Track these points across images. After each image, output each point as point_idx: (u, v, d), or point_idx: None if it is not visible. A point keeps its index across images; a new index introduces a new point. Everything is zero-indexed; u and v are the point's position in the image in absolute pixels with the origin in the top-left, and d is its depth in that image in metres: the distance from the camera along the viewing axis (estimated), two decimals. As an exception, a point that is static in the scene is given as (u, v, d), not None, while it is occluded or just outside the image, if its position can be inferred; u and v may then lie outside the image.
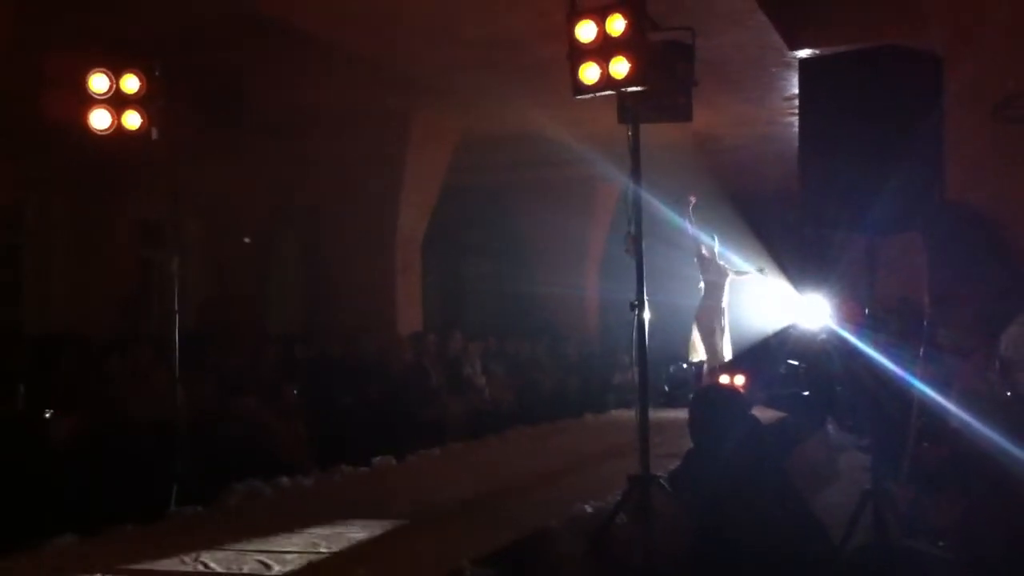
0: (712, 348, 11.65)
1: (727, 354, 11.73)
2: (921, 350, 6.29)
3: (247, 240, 7.30)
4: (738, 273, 11.92)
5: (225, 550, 5.38)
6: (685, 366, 13.48)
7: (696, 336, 11.77)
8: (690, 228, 11.42)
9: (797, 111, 6.22)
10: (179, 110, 7.22)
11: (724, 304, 11.75)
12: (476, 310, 17.76)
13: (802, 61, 6.46)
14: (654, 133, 6.84)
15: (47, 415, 7.34)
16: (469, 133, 12.71)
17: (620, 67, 5.90)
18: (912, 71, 5.77)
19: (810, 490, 6.81)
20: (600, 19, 5.93)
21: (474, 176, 14.36)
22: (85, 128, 6.87)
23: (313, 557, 5.15)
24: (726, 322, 11.75)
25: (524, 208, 16.69)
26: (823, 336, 11.06)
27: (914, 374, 6.17)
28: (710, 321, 11.66)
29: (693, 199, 11.32)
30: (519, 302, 16.38)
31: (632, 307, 6.38)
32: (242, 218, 13.68)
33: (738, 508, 4.91)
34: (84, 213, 11.98)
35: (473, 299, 17.94)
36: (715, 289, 11.68)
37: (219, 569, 5.00)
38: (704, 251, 11.65)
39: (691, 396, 5.43)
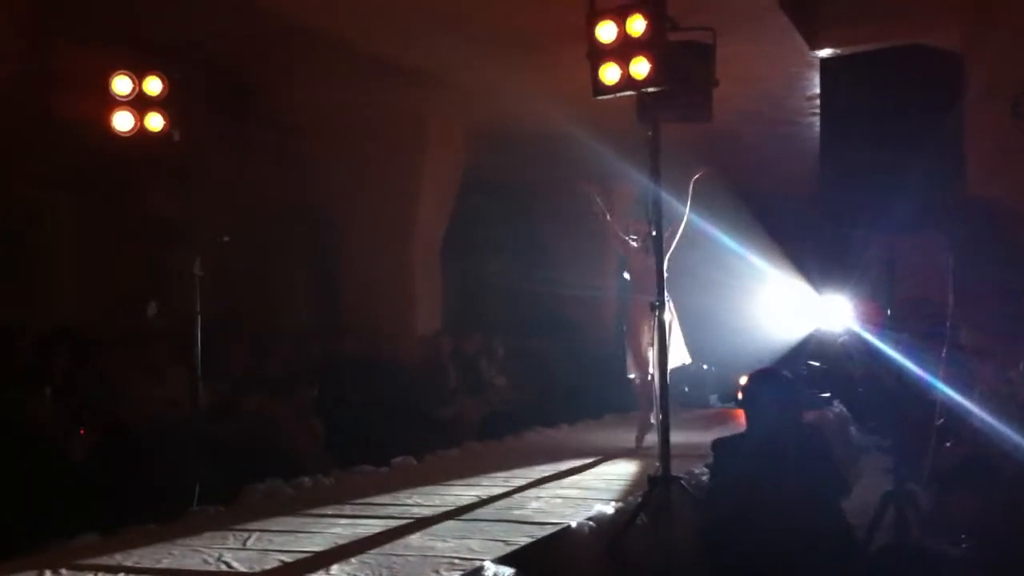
0: (644, 361, 9.15)
1: (678, 359, 9.06)
2: (943, 351, 6.26)
3: (226, 239, 7.32)
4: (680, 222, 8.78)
5: (247, 549, 5.41)
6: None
7: (628, 348, 9.47)
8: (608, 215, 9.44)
9: (818, 111, 6.21)
10: (196, 109, 7.28)
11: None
12: (494, 309, 17.75)
13: (823, 60, 6.46)
14: (672, 132, 6.84)
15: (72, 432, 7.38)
16: (486, 131, 12.71)
17: (640, 67, 5.92)
18: (932, 70, 5.75)
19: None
20: (620, 19, 5.94)
21: (492, 174, 14.37)
22: (107, 129, 6.93)
23: (335, 556, 5.17)
24: (673, 316, 8.78)
25: (542, 206, 16.69)
26: (844, 337, 10.97)
27: (936, 375, 6.15)
28: (639, 324, 9.20)
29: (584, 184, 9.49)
30: (537, 301, 16.37)
31: (652, 307, 6.38)
32: (258, 216, 13.71)
33: (756, 504, 4.91)
34: (100, 212, 12.01)
35: (491, 298, 17.93)
36: (647, 277, 8.56)
37: (241, 568, 5.02)
38: (632, 236, 9.31)
39: (748, 378, 5.39)
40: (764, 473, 4.93)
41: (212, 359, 9.28)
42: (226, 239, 7.51)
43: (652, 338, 8.78)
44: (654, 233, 6.40)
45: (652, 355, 8.73)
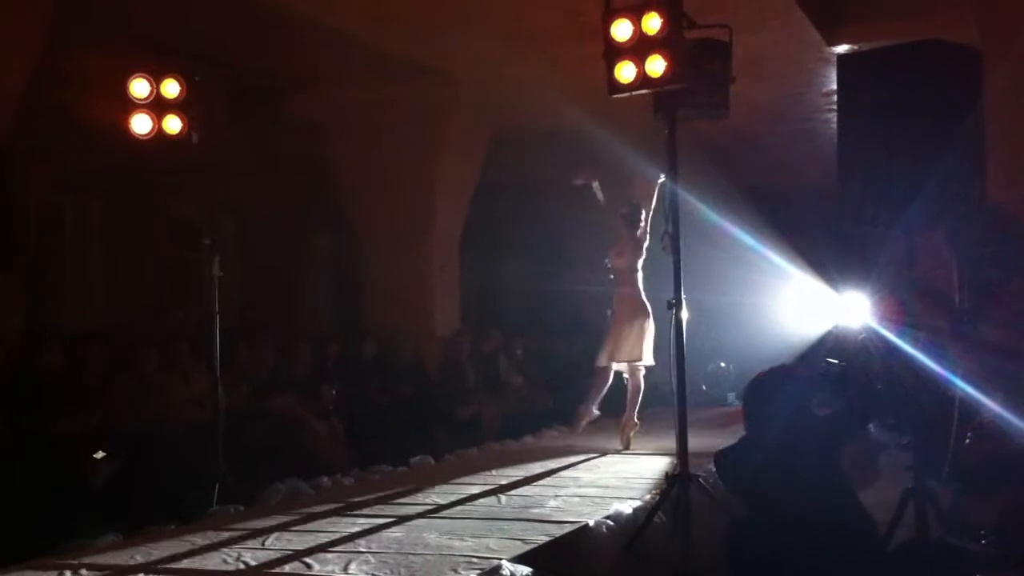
0: (632, 350, 9.17)
1: (646, 356, 9.13)
2: (962, 348, 6.22)
3: (208, 241, 7.31)
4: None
5: (266, 549, 5.43)
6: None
7: (616, 336, 9.31)
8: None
9: (835, 107, 6.18)
10: (215, 112, 7.30)
11: (639, 288, 9.23)
12: (513, 309, 17.77)
13: (840, 57, 6.42)
14: (690, 130, 6.82)
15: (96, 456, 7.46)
16: (504, 130, 12.73)
17: (656, 65, 5.89)
18: (952, 66, 5.71)
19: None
20: (636, 17, 5.92)
21: (510, 174, 14.38)
22: (126, 132, 6.96)
23: (353, 556, 5.18)
24: (649, 316, 9.12)
25: (560, 205, 16.67)
26: (863, 334, 10.89)
27: (955, 372, 6.11)
28: (632, 315, 9.20)
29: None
30: (556, 300, 16.37)
31: (669, 306, 6.36)
32: (277, 217, 13.77)
33: (776, 501, 4.89)
34: (122, 214, 12.10)
35: (510, 298, 17.94)
36: (629, 275, 9.26)
37: (261, 568, 5.04)
38: (624, 233, 9.35)
39: (750, 381, 5.36)
40: (784, 470, 4.91)
41: (239, 360, 9.38)
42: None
43: (640, 331, 9.11)
44: (670, 230, 6.36)
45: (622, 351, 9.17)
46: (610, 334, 9.31)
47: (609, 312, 9.47)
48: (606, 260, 9.47)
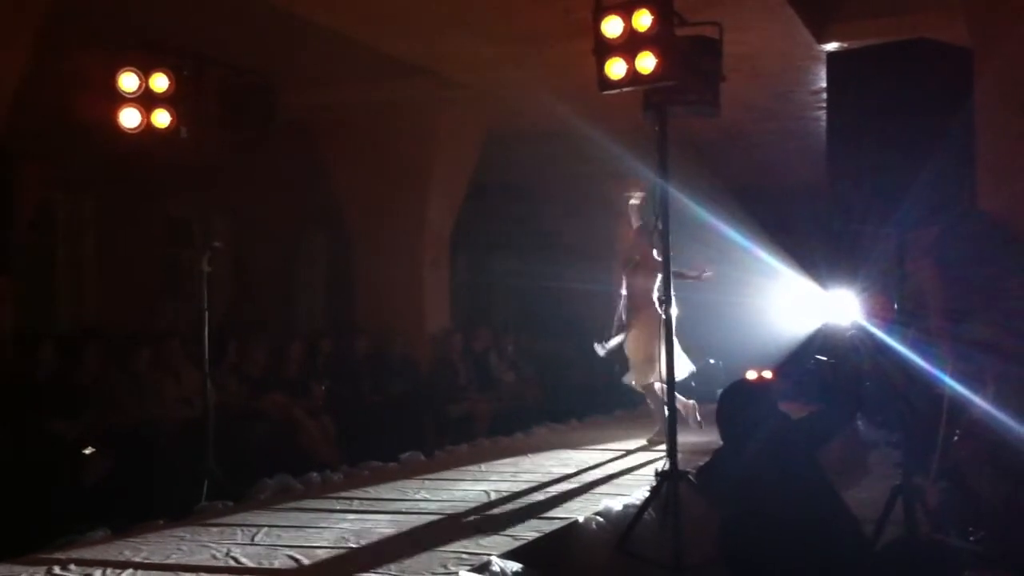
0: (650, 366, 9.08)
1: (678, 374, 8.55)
2: (952, 346, 6.24)
3: (218, 244, 7.19)
4: (678, 275, 7.56)
5: (255, 545, 5.43)
6: None
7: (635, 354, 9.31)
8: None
9: (825, 105, 6.19)
10: (206, 108, 7.27)
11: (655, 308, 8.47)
12: (504, 306, 17.77)
13: (830, 55, 6.40)
14: (680, 128, 6.82)
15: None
16: (496, 129, 12.71)
17: (646, 62, 5.88)
18: (941, 65, 5.72)
19: (840, 486, 6.78)
20: (626, 14, 5.91)
21: (501, 172, 14.37)
22: (115, 127, 6.93)
23: (343, 552, 5.19)
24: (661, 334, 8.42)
25: (551, 204, 16.66)
26: (852, 331, 10.90)
27: (944, 370, 6.12)
28: (651, 334, 8.89)
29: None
30: (547, 298, 16.37)
31: (659, 303, 6.37)
32: (271, 216, 13.75)
33: (766, 502, 4.89)
34: (116, 212, 12.06)
35: (501, 295, 17.94)
36: (644, 294, 9.01)
37: (250, 564, 5.04)
38: (635, 247, 9.31)
39: (720, 392, 5.37)
40: (771, 478, 4.91)
41: (231, 358, 9.36)
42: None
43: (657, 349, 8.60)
44: (660, 228, 6.36)
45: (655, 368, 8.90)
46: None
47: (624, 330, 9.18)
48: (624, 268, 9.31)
